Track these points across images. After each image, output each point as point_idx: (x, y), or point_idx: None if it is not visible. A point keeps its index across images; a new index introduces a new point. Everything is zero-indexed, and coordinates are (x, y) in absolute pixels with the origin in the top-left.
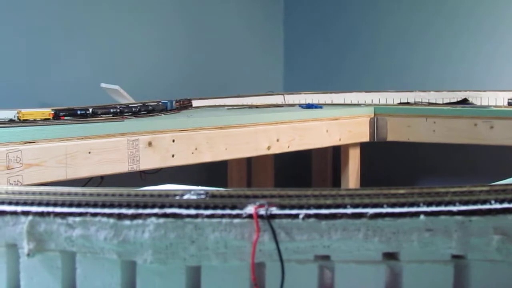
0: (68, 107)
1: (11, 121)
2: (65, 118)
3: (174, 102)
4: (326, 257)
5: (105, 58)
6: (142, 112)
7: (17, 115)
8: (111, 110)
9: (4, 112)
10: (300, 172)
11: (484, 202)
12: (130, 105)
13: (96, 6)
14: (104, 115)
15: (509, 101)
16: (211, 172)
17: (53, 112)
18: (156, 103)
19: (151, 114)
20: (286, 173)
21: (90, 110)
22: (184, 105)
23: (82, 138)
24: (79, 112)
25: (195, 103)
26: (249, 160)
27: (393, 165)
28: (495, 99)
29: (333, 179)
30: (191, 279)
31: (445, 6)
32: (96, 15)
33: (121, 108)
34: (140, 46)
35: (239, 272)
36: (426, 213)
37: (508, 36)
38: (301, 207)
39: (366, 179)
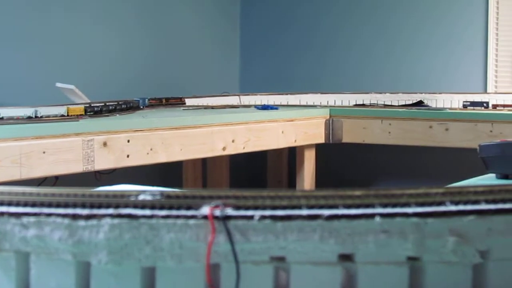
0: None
1: None
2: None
3: (146, 100)
4: (282, 259)
5: (60, 57)
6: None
7: (66, 111)
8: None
9: (56, 108)
10: (256, 173)
11: (439, 204)
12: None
13: (50, 5)
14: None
15: (464, 103)
16: (166, 173)
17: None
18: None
19: (105, 114)
20: (241, 174)
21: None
22: (170, 103)
23: (37, 138)
24: (95, 109)
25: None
26: (204, 161)
27: (349, 166)
28: (450, 101)
29: (288, 180)
30: (146, 280)
31: (400, 8)
32: (51, 14)
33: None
34: (95, 45)
35: (194, 273)
36: (381, 215)
37: (463, 39)
38: (256, 208)
39: (321, 180)
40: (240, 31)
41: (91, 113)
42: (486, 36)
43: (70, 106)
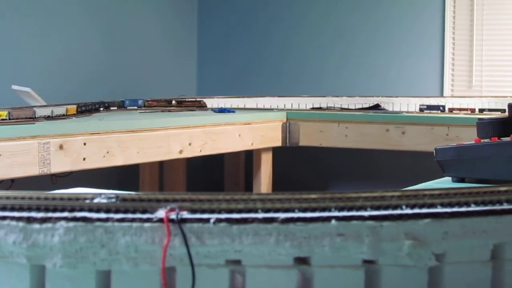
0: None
1: None
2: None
3: (140, 101)
4: (238, 262)
5: (15, 60)
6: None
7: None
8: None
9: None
10: (213, 177)
11: (395, 207)
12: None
13: (3, 6)
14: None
15: (421, 107)
16: (123, 176)
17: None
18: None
19: (61, 117)
20: (198, 177)
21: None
22: (184, 105)
23: None
24: (83, 108)
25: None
26: (161, 164)
27: (305, 170)
28: (407, 105)
29: (245, 184)
30: (102, 283)
31: (357, 12)
32: (5, 15)
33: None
34: (51, 48)
35: (150, 276)
36: (337, 218)
37: (420, 42)
38: (212, 211)
39: (278, 184)
40: (198, 34)
41: (85, 112)
42: (443, 39)
43: (68, 107)
